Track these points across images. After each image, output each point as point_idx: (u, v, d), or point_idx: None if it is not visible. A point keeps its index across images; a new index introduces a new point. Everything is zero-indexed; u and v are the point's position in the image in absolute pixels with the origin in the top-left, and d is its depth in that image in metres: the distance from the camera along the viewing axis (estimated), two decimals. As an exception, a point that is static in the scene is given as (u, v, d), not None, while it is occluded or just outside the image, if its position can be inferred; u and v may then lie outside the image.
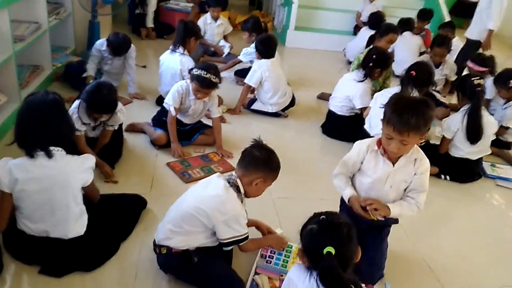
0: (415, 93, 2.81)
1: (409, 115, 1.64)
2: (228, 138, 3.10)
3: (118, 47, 3.36)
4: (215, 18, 4.75)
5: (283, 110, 3.59)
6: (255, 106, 3.55)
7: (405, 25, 5.22)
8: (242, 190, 1.79)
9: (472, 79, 2.87)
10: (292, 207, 2.43)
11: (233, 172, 1.82)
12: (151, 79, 3.86)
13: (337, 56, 5.57)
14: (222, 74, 4.28)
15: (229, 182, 1.77)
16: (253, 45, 3.92)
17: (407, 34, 5.13)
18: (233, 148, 2.95)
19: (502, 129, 3.32)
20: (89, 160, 1.82)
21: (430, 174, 2.90)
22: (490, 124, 2.87)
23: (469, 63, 3.76)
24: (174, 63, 3.24)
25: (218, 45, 4.86)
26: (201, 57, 4.76)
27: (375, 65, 3.15)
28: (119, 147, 2.69)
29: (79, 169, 1.77)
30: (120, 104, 2.44)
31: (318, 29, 6.11)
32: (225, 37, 4.95)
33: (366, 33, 5.28)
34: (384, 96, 2.89)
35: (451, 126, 2.92)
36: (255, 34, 3.99)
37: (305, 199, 2.53)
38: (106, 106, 2.32)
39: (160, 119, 2.84)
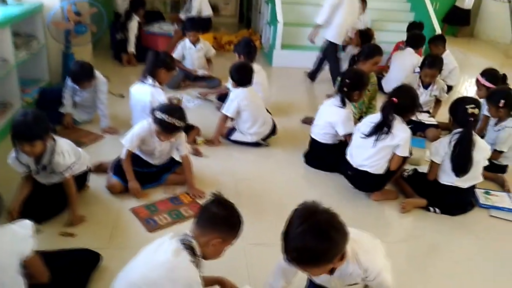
0: (397, 120, 2.63)
1: (293, 246, 1.40)
2: (204, 173, 2.92)
3: (76, 75, 3.24)
4: (194, 43, 4.60)
5: (264, 139, 3.42)
6: (234, 137, 3.38)
7: (415, 40, 4.96)
8: (198, 252, 1.60)
9: (467, 106, 2.63)
10: (266, 256, 2.20)
11: (188, 231, 1.64)
12: (128, 110, 3.71)
13: (326, 75, 5.39)
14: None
15: (183, 244, 1.59)
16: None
17: (408, 51, 4.88)
18: (209, 185, 2.77)
19: (496, 153, 3.13)
20: (23, 227, 1.58)
21: (420, 207, 2.79)
22: (481, 150, 2.66)
23: (480, 77, 3.58)
24: (144, 95, 3.08)
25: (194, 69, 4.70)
26: (182, 82, 4.62)
27: (351, 88, 2.98)
28: (58, 199, 2.34)
29: (11, 241, 1.53)
30: (61, 146, 2.25)
31: (306, 47, 5.94)
32: (208, 60, 4.80)
33: (353, 51, 5.13)
34: (365, 125, 2.73)
35: (439, 150, 2.72)
36: (246, 56, 3.86)
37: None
38: (22, 130, 2.06)
39: (120, 165, 2.63)
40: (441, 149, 2.71)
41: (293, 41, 5.98)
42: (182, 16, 5.70)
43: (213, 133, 3.37)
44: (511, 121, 3.11)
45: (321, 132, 3.10)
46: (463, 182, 2.68)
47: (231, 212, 1.65)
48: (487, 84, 3.47)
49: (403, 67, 4.74)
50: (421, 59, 4.74)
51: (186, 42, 4.61)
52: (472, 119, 2.61)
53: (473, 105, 2.63)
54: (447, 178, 2.70)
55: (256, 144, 3.38)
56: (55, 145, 2.24)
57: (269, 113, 3.53)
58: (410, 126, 2.86)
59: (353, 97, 3.01)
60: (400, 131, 2.61)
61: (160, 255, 1.55)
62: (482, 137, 3.22)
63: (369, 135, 2.65)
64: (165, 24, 5.85)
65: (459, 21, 9.27)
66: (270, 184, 2.90)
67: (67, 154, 2.27)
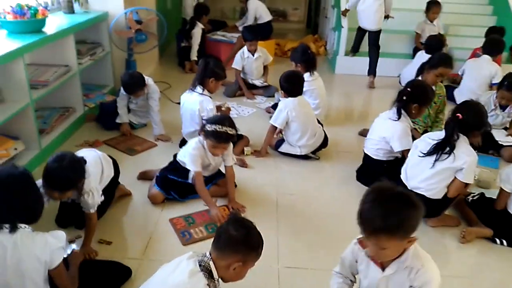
0: (462, 140, 2.34)
1: (376, 214, 1.36)
2: (246, 186, 2.84)
3: (127, 86, 3.34)
4: (253, 52, 4.54)
5: (314, 152, 3.25)
6: (282, 149, 3.25)
7: (492, 45, 4.44)
8: (216, 275, 1.51)
9: None
10: (301, 281, 2.08)
11: (207, 253, 1.55)
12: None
13: (393, 82, 5.07)
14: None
15: (200, 265, 1.51)
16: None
17: (484, 59, 4.38)
18: (250, 199, 2.69)
19: None
20: (56, 237, 1.59)
21: (484, 238, 2.46)
22: None
23: None
24: (192, 104, 3.07)
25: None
26: (239, 90, 4.58)
27: (410, 100, 2.71)
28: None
29: (42, 250, 1.55)
30: (90, 185, 2.03)
31: (372, 54, 5.66)
32: (264, 68, 4.73)
33: (422, 57, 4.76)
34: (424, 142, 2.47)
35: (511, 177, 2.39)
36: (303, 64, 3.75)
37: (319, 269, 2.14)
38: (56, 181, 1.88)
39: (164, 176, 2.62)
40: None
41: (360, 47, 5.71)
42: (239, 25, 5.68)
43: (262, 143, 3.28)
44: None
45: (374, 147, 2.87)
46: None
47: (249, 233, 1.54)
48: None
49: (478, 76, 4.29)
50: (499, 68, 4.31)
51: (244, 51, 4.56)
52: None
53: None
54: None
55: (305, 157, 3.22)
56: (84, 184, 2.02)
57: (321, 124, 3.36)
58: (482, 143, 2.58)
59: (411, 110, 2.75)
60: (465, 153, 2.32)
61: (177, 275, 1.49)
62: None
63: (428, 154, 2.39)
64: (229, 32, 5.88)
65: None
66: (313, 201, 2.73)
67: (96, 193, 2.08)
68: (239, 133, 3.29)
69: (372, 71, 5.15)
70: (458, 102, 4.37)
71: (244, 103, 4.39)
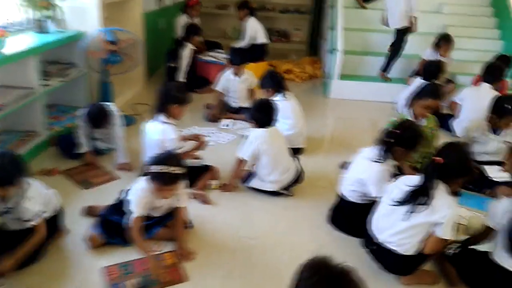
0: (442, 188, 2.02)
1: None
2: (205, 226, 2.56)
3: (95, 120, 3.11)
4: (239, 74, 4.31)
5: (288, 187, 2.95)
6: (252, 184, 2.96)
7: (490, 72, 4.16)
8: None
9: None
10: None
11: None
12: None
13: (387, 109, 4.76)
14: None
15: None
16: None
17: (484, 87, 4.10)
18: (205, 243, 2.40)
19: None
20: None
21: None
22: None
23: None
24: (155, 133, 2.82)
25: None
26: (223, 114, 4.33)
27: (398, 141, 2.41)
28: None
29: None
30: (33, 191, 2.06)
31: (368, 77, 5.37)
32: (251, 91, 4.47)
33: (418, 83, 4.46)
34: (399, 188, 2.15)
35: (497, 212, 2.09)
36: (273, 88, 3.58)
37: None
38: None
39: (107, 217, 2.35)
40: (499, 212, 2.07)
41: (355, 71, 5.45)
42: (236, 45, 5.48)
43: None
44: None
45: (349, 188, 2.56)
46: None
47: None
48: None
49: (478, 106, 3.94)
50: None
51: (229, 73, 4.33)
52: None
53: None
54: (503, 259, 2.01)
55: (278, 193, 2.93)
56: (27, 190, 2.05)
57: (297, 157, 3.07)
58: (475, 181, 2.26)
59: (395, 152, 2.44)
60: (445, 205, 2.01)
61: None
62: None
63: (402, 203, 2.07)
64: (220, 53, 5.67)
65: None
66: (277, 247, 2.43)
67: (38, 201, 2.09)
68: (205, 164, 3.07)
69: (383, 67, 5.33)
70: (457, 134, 4.08)
71: (225, 129, 4.12)
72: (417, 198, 2.02)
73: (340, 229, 2.60)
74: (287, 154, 2.96)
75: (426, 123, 3.08)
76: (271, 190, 2.91)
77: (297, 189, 3.01)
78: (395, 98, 4.68)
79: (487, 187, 3.12)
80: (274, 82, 3.59)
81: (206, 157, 3.19)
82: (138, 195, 2.22)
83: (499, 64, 4.32)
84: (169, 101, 2.79)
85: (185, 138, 3.07)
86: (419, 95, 3.02)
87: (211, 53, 5.63)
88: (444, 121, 4.35)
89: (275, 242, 2.48)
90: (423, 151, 3.18)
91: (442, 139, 4.02)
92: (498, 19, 6.13)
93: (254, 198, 2.92)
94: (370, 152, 2.48)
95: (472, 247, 2.28)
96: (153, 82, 5.47)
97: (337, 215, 2.64)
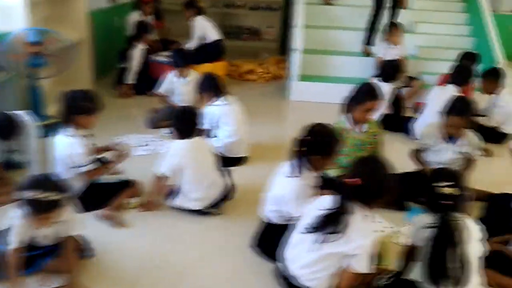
0: (358, 214, 1.73)
1: None
2: (109, 253, 2.24)
3: (3, 131, 2.77)
4: (184, 76, 4.00)
5: (216, 205, 2.65)
6: (176, 201, 2.64)
7: (458, 74, 3.88)
8: None
9: (437, 184, 1.74)
10: None
11: None
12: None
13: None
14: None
15: None
16: (210, 107, 3.18)
17: (450, 89, 3.79)
18: (104, 275, 2.09)
19: None
20: None
21: None
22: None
23: None
24: (62, 147, 2.50)
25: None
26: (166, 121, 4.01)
27: (312, 150, 2.10)
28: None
29: None
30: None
31: (331, 78, 5.07)
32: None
33: (379, 85, 4.17)
34: (311, 212, 1.85)
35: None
36: (210, 92, 3.31)
37: None
38: None
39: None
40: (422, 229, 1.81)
41: (318, 71, 5.15)
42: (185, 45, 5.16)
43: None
44: None
45: (269, 207, 2.26)
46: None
47: None
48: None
49: (439, 109, 3.67)
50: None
51: (174, 75, 4.02)
52: (448, 203, 1.72)
53: (448, 182, 1.73)
54: None
55: (203, 212, 2.62)
56: None
57: (227, 171, 2.77)
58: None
59: (314, 162, 2.13)
60: (359, 233, 1.72)
61: None
62: None
63: (313, 230, 1.77)
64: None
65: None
66: (186, 280, 2.12)
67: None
68: (126, 179, 2.76)
69: (365, 41, 5.17)
70: (417, 137, 3.79)
71: (167, 136, 3.80)
72: (328, 224, 1.72)
73: (265, 253, 2.29)
74: (214, 168, 2.66)
75: (368, 128, 2.79)
76: (196, 208, 2.61)
77: (230, 205, 2.71)
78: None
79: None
80: (212, 86, 3.30)
81: (135, 169, 2.89)
82: (14, 222, 1.91)
83: (467, 65, 4.04)
84: (74, 111, 2.47)
85: (101, 150, 2.75)
86: (355, 98, 2.71)
87: (165, 53, 5.29)
88: (404, 123, 4.08)
89: (186, 271, 2.17)
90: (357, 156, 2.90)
91: (401, 143, 3.80)
92: (466, 4, 5.90)
93: (175, 218, 2.61)
94: (287, 166, 2.17)
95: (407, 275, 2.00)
96: (104, 84, 5.13)
97: (261, 238, 2.33)
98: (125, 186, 2.70)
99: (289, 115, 4.75)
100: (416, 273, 1.91)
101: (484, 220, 2.61)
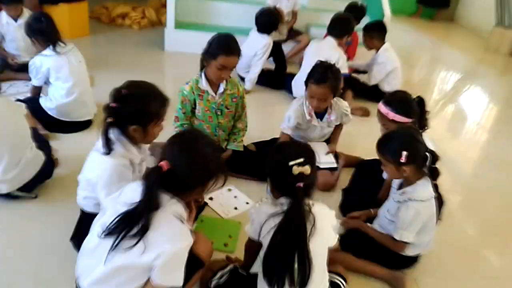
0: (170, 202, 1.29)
1: None
2: None
3: None
4: (15, 17, 3.19)
5: (30, 187, 2.07)
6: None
7: (336, 24, 3.50)
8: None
9: (290, 163, 1.36)
10: None
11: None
12: None
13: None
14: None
15: None
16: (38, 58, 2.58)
17: (328, 42, 3.48)
18: None
19: (396, 243, 1.83)
20: None
21: None
22: (322, 235, 1.41)
23: (383, 107, 2.16)
24: None
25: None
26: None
27: (122, 120, 1.59)
28: None
29: None
30: None
31: (211, 27, 4.52)
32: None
33: (255, 37, 3.75)
34: (117, 206, 1.37)
35: (255, 219, 1.47)
36: (38, 37, 2.61)
37: None
38: None
39: None
40: (256, 220, 1.45)
41: (196, 18, 4.57)
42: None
43: None
44: (421, 188, 1.78)
45: (81, 193, 1.75)
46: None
47: None
48: (398, 118, 2.11)
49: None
50: (342, 56, 3.42)
51: (3, 16, 3.20)
52: (302, 184, 1.35)
53: (301, 160, 1.35)
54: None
55: (14, 196, 2.04)
56: None
57: (44, 141, 2.18)
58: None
59: (132, 135, 1.63)
60: (164, 237, 1.28)
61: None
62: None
63: (108, 233, 1.30)
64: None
65: (437, 3, 7.98)
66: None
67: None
68: None
69: None
70: (295, 95, 3.46)
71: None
72: (126, 224, 1.27)
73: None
74: (19, 139, 2.04)
75: (226, 87, 2.35)
76: (2, 192, 2.01)
77: (51, 186, 2.15)
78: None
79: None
80: (40, 30, 2.57)
81: None
82: None
83: (347, 16, 3.72)
84: None
85: None
86: (207, 52, 2.23)
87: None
88: (287, 80, 3.72)
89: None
90: (231, 126, 2.50)
91: (282, 103, 3.45)
92: None
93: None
94: (98, 143, 1.65)
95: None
96: None
97: (76, 231, 1.83)
98: None
99: (160, 69, 4.16)
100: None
101: (349, 190, 2.40)
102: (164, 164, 1.29)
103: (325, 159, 2.55)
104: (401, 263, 1.92)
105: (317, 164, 2.43)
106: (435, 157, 1.75)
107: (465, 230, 2.36)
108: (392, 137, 1.78)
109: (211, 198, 2.24)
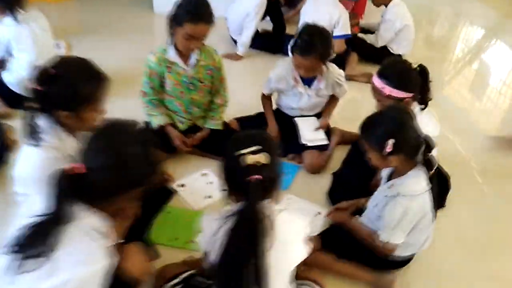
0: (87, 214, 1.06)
1: None
2: None
3: None
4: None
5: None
6: None
7: None
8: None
9: (240, 152, 1.11)
10: None
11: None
12: None
13: (223, 26, 3.64)
14: None
15: None
16: None
17: None
18: None
19: (384, 245, 1.57)
20: None
21: None
22: (287, 241, 1.18)
23: (377, 79, 1.82)
24: None
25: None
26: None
27: (48, 106, 1.35)
28: None
29: None
30: None
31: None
32: None
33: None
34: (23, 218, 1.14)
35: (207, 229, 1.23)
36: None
37: None
38: None
39: None
40: (207, 229, 1.21)
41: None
42: None
43: None
44: (412, 181, 1.49)
45: (18, 190, 1.53)
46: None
47: None
48: (395, 93, 1.77)
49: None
50: (344, 13, 3.06)
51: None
52: (255, 178, 1.09)
53: (253, 148, 1.11)
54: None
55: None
56: None
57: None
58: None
59: (64, 122, 1.38)
60: (71, 257, 1.04)
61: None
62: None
63: (14, 250, 1.08)
64: None
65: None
66: None
67: None
68: None
69: None
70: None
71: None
72: (32, 241, 1.05)
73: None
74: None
75: (200, 57, 2.06)
76: None
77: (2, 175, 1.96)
78: (226, 12, 3.54)
79: (293, 151, 2.27)
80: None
81: None
82: None
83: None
84: None
85: None
86: (174, 17, 1.92)
87: None
88: (285, 43, 3.36)
89: None
90: (208, 103, 2.23)
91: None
92: None
93: None
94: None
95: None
96: None
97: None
98: None
99: (148, 33, 3.86)
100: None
101: (340, 173, 2.13)
102: (77, 167, 1.05)
103: (313, 136, 2.27)
104: (393, 264, 1.67)
105: (303, 142, 2.21)
106: (429, 145, 1.44)
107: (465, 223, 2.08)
108: (377, 121, 1.48)
109: (183, 185, 2.01)
